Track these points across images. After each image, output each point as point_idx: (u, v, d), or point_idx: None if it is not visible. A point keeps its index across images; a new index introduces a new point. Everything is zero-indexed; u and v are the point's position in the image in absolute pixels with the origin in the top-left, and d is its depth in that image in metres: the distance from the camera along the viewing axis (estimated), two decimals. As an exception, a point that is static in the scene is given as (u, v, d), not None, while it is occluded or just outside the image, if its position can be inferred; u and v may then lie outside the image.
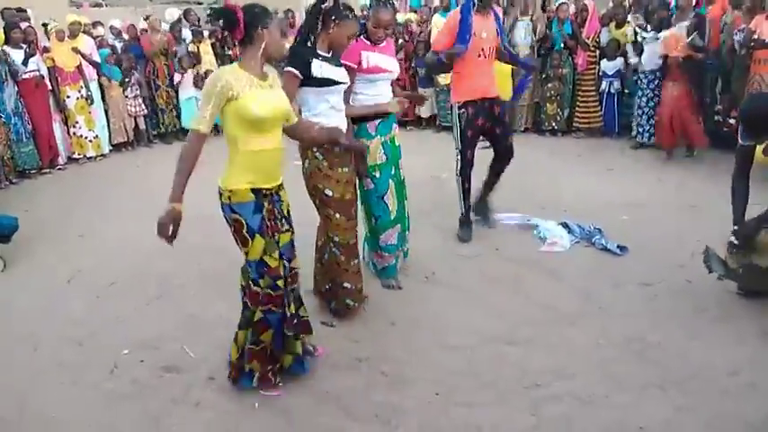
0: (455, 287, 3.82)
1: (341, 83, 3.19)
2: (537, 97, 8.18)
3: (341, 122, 3.21)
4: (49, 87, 7.27)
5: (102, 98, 7.92)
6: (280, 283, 2.65)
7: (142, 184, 6.57)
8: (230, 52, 8.90)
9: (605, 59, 7.53)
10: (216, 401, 2.81)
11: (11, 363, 3.23)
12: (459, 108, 4.30)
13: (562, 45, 7.80)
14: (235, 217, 2.56)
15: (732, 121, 6.60)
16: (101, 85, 7.88)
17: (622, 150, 7.13)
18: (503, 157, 4.50)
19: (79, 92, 7.50)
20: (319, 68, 3.08)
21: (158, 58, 8.30)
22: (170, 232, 2.42)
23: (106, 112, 7.97)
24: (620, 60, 7.43)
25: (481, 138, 4.44)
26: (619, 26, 7.57)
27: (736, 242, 3.33)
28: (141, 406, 2.81)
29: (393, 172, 3.72)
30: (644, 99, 6.96)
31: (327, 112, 3.17)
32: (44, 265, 4.49)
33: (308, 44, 3.16)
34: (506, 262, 4.17)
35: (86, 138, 7.65)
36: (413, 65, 8.44)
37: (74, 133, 7.59)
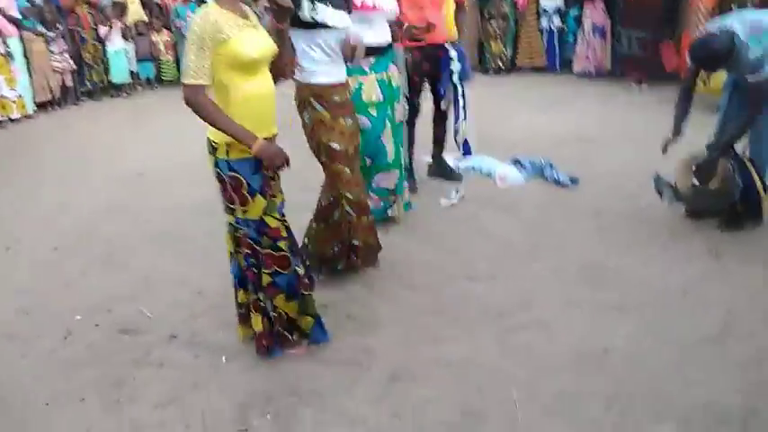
0: (415, 229, 3.81)
1: (338, 27, 2.88)
2: (480, 35, 8.12)
3: (340, 69, 2.98)
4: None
5: (24, 54, 7.36)
6: (281, 244, 2.49)
7: (74, 145, 6.22)
8: (158, 0, 8.41)
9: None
10: (181, 360, 2.73)
11: (-47, 338, 3.03)
12: (405, 53, 4.20)
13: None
14: (233, 175, 2.36)
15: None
16: (22, 41, 7.31)
17: (565, 86, 7.20)
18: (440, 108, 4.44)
19: (-4, 49, 6.94)
20: (310, 8, 2.74)
21: (80, 7, 7.73)
22: (282, 155, 2.35)
23: (29, 69, 7.43)
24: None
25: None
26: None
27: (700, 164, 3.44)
28: (102, 371, 2.69)
29: (389, 112, 3.57)
30: None
31: (322, 58, 2.90)
32: (-23, 235, 4.21)
33: None
34: (463, 202, 4.18)
35: (9, 98, 7.13)
36: None
37: (-6, 94, 7.07)
